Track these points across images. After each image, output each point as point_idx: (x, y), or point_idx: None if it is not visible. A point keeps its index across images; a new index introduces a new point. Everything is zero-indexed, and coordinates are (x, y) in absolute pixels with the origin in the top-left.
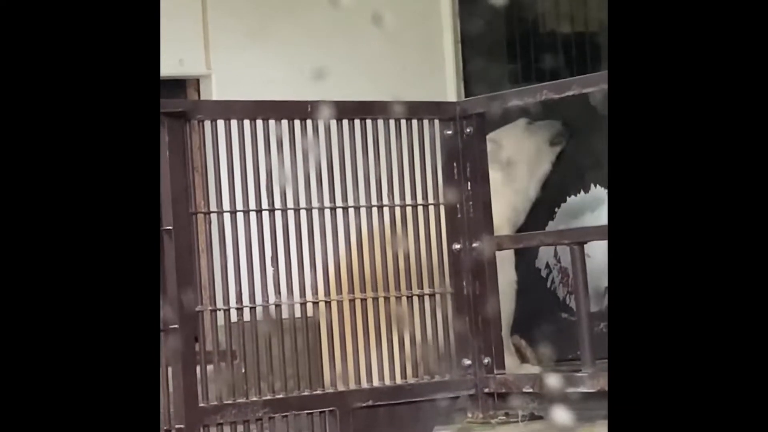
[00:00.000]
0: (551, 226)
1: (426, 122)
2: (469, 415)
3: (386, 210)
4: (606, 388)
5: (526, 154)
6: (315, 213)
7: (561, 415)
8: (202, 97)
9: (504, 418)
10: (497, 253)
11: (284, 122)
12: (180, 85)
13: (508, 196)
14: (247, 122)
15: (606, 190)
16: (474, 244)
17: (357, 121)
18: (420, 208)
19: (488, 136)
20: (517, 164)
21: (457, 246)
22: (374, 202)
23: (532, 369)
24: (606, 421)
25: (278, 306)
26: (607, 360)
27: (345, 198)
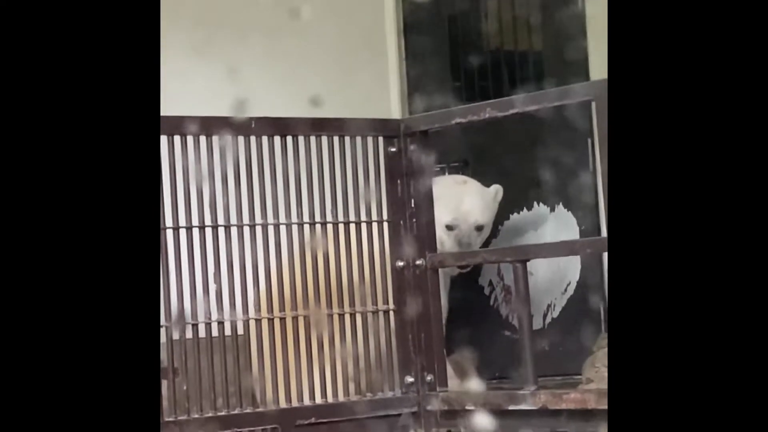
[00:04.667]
0: (494, 243)
1: (370, 139)
2: None
3: (329, 227)
4: (547, 406)
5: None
6: (258, 229)
7: (480, 425)
8: None
9: None
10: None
11: (228, 138)
12: None
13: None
14: (190, 138)
15: (548, 208)
16: (417, 261)
17: (301, 138)
18: (363, 225)
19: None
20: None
21: (400, 263)
22: (318, 218)
23: (474, 387)
24: None
25: (221, 323)
26: (547, 377)
27: (288, 214)
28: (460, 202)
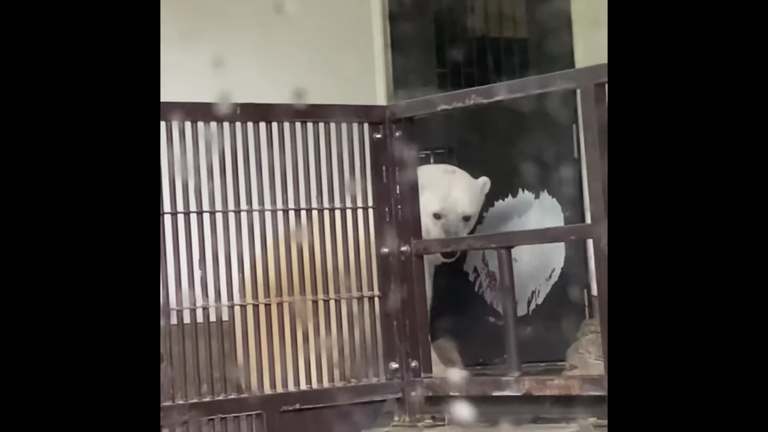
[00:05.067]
0: (479, 230)
1: (355, 126)
2: (396, 418)
3: (315, 213)
4: (531, 392)
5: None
6: (243, 215)
7: (462, 412)
8: None
9: (430, 421)
10: None
11: (213, 124)
12: None
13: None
14: (175, 123)
15: (533, 195)
16: (402, 248)
17: (287, 124)
18: (349, 212)
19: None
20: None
21: (385, 250)
22: (303, 205)
23: (458, 373)
24: (532, 424)
25: (205, 309)
26: (532, 364)
27: (274, 201)
28: (449, 191)
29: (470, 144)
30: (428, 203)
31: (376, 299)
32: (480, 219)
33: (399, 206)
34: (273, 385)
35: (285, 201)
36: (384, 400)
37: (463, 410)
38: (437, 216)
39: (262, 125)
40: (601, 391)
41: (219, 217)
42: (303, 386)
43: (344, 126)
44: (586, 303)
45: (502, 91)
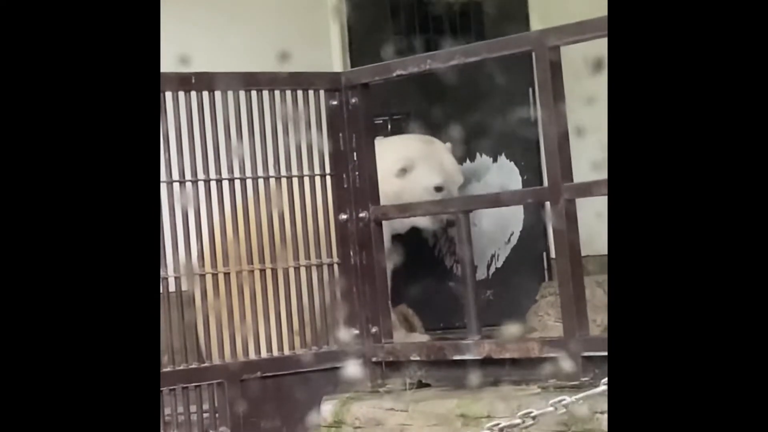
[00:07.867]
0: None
1: (311, 93)
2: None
3: (272, 181)
4: (492, 355)
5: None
6: (201, 185)
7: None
8: None
9: (391, 386)
10: None
11: (168, 94)
12: None
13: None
14: None
15: (491, 159)
16: (360, 214)
17: (242, 92)
18: (306, 179)
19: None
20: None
21: (343, 216)
22: (260, 173)
23: (419, 338)
24: (492, 387)
25: (165, 279)
26: (492, 327)
27: (231, 170)
28: (442, 163)
29: (427, 109)
30: (427, 178)
31: (336, 266)
32: None
33: (356, 172)
34: (234, 353)
35: (242, 170)
36: (345, 366)
37: (354, 369)
38: (439, 188)
39: (218, 94)
40: (561, 353)
41: (176, 186)
42: (264, 354)
43: (300, 93)
44: (545, 266)
45: (458, 56)
